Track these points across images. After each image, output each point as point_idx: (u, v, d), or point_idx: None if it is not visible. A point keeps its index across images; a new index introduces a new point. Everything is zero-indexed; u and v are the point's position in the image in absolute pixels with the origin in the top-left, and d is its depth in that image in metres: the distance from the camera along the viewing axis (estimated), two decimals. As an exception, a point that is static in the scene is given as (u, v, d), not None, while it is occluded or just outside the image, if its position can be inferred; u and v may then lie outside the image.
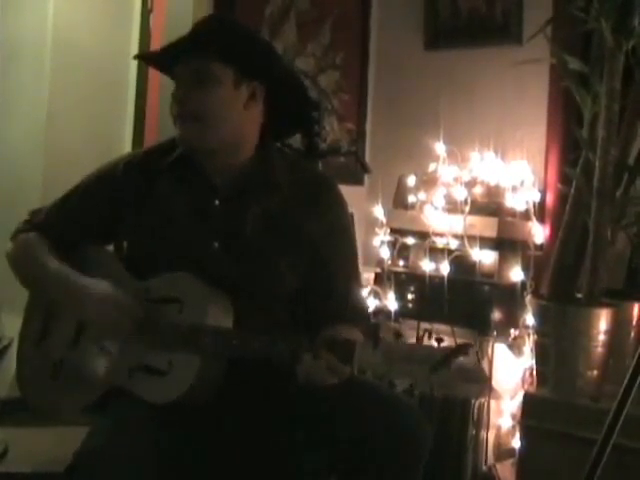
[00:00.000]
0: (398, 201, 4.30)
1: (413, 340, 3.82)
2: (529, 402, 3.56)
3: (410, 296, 3.98)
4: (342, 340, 2.10)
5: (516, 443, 3.64)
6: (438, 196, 4.08)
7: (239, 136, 2.40)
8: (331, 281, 2.43)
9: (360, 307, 2.52)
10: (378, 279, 4.11)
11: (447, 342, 3.59)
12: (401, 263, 4.12)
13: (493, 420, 3.69)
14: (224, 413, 2.32)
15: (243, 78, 2.36)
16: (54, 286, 2.40)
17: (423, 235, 4.03)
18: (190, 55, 2.35)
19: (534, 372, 3.65)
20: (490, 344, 3.71)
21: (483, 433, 3.64)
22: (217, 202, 2.39)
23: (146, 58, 2.55)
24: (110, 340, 2.34)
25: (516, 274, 3.86)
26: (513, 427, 3.71)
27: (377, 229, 4.22)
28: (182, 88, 2.35)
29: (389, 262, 4.12)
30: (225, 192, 2.40)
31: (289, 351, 2.14)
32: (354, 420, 2.21)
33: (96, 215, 2.47)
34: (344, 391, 2.15)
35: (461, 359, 2.17)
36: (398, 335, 2.45)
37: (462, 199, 3.98)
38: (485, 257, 3.86)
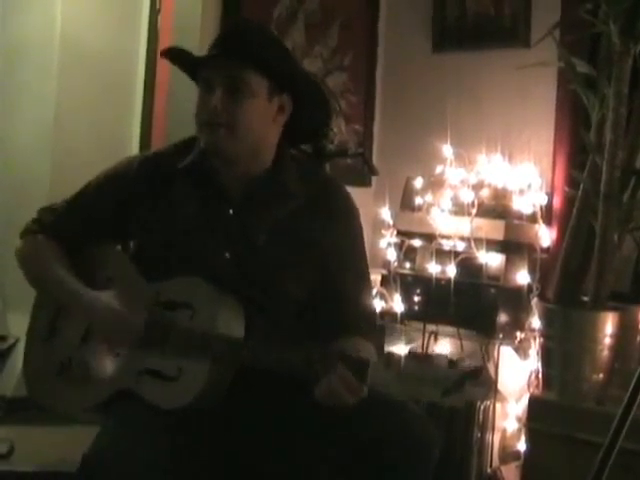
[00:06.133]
0: (405, 203, 4.30)
1: (419, 342, 3.83)
2: (534, 405, 3.56)
3: (416, 298, 3.98)
4: (355, 358, 2.10)
5: (521, 446, 3.64)
6: (445, 198, 4.08)
7: (261, 147, 2.39)
8: (342, 290, 2.43)
9: (369, 316, 2.51)
10: (384, 281, 4.10)
11: (454, 346, 3.60)
12: (407, 265, 4.12)
13: (498, 423, 3.69)
14: (232, 416, 2.33)
15: (275, 90, 2.35)
16: (59, 296, 2.42)
17: (430, 237, 4.03)
18: (226, 61, 2.32)
19: (540, 375, 3.64)
20: (496, 347, 3.70)
21: (488, 436, 3.64)
22: (231, 211, 2.38)
23: (175, 57, 2.48)
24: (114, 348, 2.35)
25: (522, 277, 3.85)
26: (518, 430, 3.70)
27: (384, 231, 4.22)
28: (215, 95, 2.30)
29: (395, 264, 4.12)
30: (239, 201, 2.39)
31: (303, 365, 2.13)
32: (364, 426, 2.21)
33: (108, 214, 2.46)
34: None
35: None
36: (414, 355, 2.44)
37: (469, 201, 3.97)
38: (491, 260, 3.86)
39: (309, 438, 2.30)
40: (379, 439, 2.20)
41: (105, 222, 2.47)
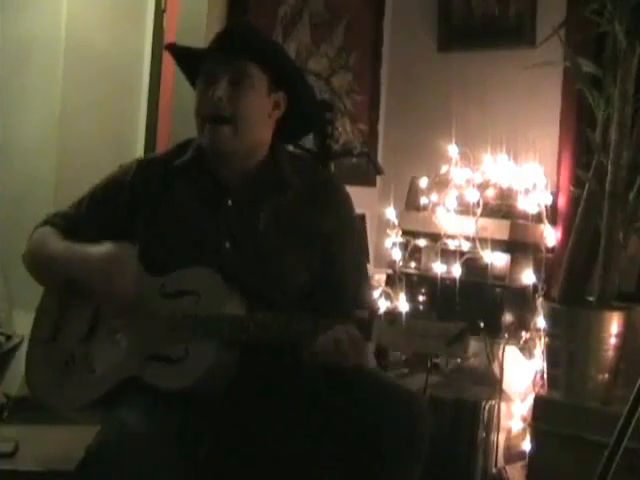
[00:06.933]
0: (410, 203, 4.30)
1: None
2: (540, 405, 3.56)
3: (421, 298, 3.98)
4: (359, 316, 2.16)
5: (526, 446, 3.64)
6: (450, 198, 4.08)
7: (258, 141, 2.44)
8: (339, 277, 2.47)
9: (367, 302, 2.54)
10: (389, 280, 4.11)
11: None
12: (413, 265, 4.11)
13: (503, 422, 3.68)
14: (237, 404, 2.35)
15: (273, 87, 2.41)
16: (63, 260, 2.44)
17: (435, 237, 4.03)
18: (229, 55, 2.37)
19: (545, 375, 3.64)
20: (501, 346, 3.70)
21: (493, 435, 3.63)
22: (230, 202, 2.42)
23: (178, 52, 2.53)
24: (115, 302, 2.38)
25: (528, 277, 3.85)
26: (523, 430, 3.70)
27: (389, 230, 4.22)
28: (220, 87, 2.35)
29: (401, 264, 4.12)
30: (237, 192, 2.43)
31: (308, 327, 2.18)
32: (357, 409, 2.24)
33: (111, 220, 2.50)
34: (348, 380, 2.18)
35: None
36: (413, 315, 2.51)
37: (474, 201, 3.97)
38: (497, 259, 3.85)
39: (308, 424, 2.32)
40: (373, 422, 2.22)
41: (108, 228, 2.50)
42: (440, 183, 4.19)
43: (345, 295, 2.45)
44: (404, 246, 4.14)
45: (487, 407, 3.61)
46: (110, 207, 2.51)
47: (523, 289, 3.84)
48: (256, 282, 2.37)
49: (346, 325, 2.15)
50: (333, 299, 2.43)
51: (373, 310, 2.29)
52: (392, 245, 4.19)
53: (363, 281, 2.55)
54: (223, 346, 2.27)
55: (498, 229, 3.89)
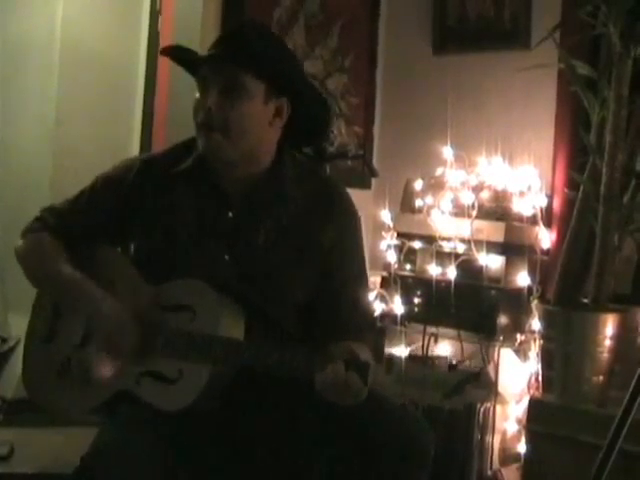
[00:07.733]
0: (405, 205, 4.29)
1: (419, 344, 3.83)
2: (535, 407, 3.56)
3: (417, 300, 3.98)
4: (357, 361, 2.10)
5: (521, 448, 3.64)
6: (445, 200, 4.08)
7: (259, 150, 2.38)
8: (340, 290, 2.43)
9: (368, 316, 2.53)
10: (385, 283, 4.10)
11: (455, 348, 3.60)
12: (408, 267, 4.11)
13: (499, 425, 3.69)
14: (232, 418, 2.33)
15: (272, 94, 2.34)
16: (66, 290, 2.40)
17: (430, 239, 4.02)
18: (223, 62, 2.32)
19: (540, 377, 3.65)
20: (496, 349, 3.71)
21: (489, 437, 3.64)
22: (230, 214, 2.38)
23: (174, 55, 2.48)
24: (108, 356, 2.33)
25: (523, 279, 3.85)
26: (519, 432, 3.71)
27: (384, 233, 4.22)
28: (211, 97, 2.30)
29: (396, 266, 4.11)
30: (238, 204, 2.38)
31: (304, 367, 2.13)
32: (360, 427, 2.22)
33: (109, 217, 2.46)
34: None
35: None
36: (413, 358, 2.42)
37: (469, 203, 3.97)
38: (492, 262, 3.85)
39: (308, 440, 2.30)
40: (375, 440, 2.20)
41: (106, 225, 2.47)
42: (435, 185, 4.19)
43: (344, 310, 2.41)
44: (399, 248, 4.14)
45: (482, 409, 3.61)
46: (110, 203, 2.46)
47: (518, 291, 3.84)
48: (255, 296, 2.34)
49: (347, 372, 2.07)
50: (334, 313, 2.40)
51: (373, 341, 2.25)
52: (387, 247, 4.18)
53: (363, 296, 2.51)
54: (218, 368, 2.24)
55: (493, 231, 3.89)
